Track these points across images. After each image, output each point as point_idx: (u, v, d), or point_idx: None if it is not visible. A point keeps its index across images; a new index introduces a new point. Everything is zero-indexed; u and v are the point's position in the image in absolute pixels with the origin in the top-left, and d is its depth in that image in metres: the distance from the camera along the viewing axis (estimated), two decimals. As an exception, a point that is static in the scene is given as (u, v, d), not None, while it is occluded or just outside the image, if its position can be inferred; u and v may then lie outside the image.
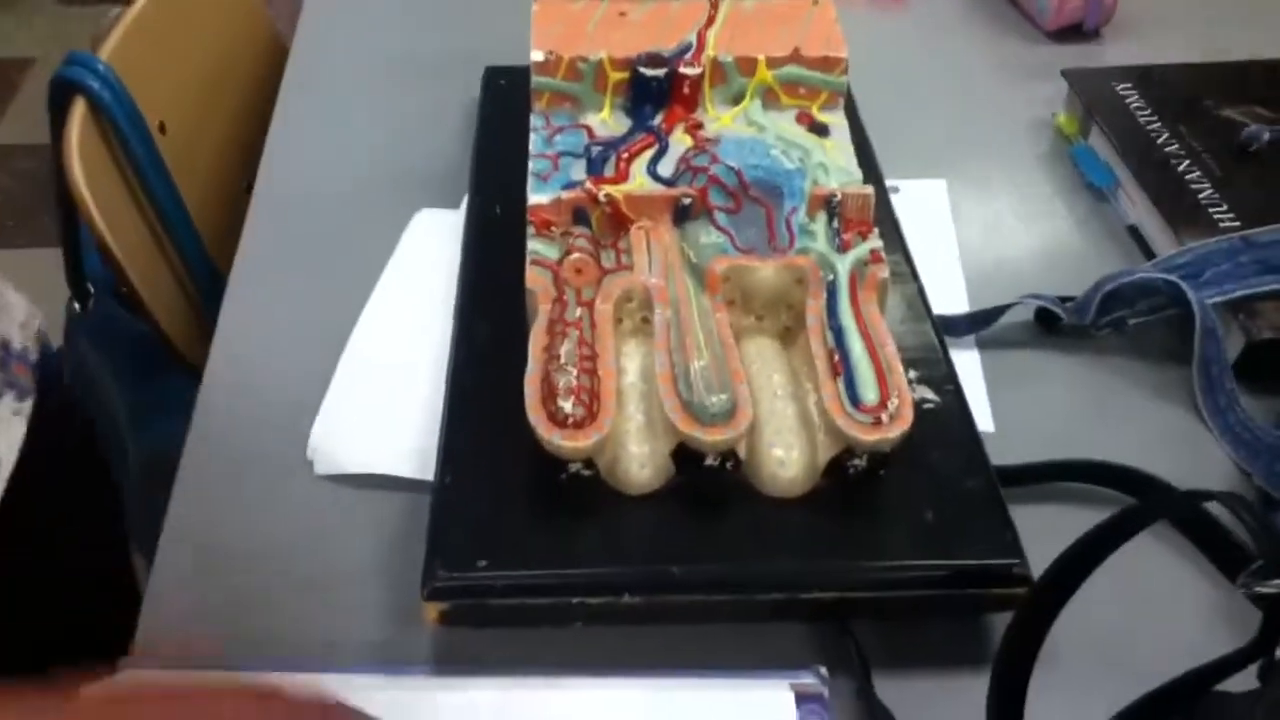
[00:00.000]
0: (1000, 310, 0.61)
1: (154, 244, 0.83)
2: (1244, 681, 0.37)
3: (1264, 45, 0.79)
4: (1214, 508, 0.46)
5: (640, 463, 0.48)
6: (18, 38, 2.45)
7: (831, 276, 0.53)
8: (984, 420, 0.56)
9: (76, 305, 0.86)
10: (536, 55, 0.62)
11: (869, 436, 0.46)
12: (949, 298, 0.64)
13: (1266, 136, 0.69)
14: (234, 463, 0.56)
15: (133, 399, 0.87)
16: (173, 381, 0.82)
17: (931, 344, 0.56)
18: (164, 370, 0.84)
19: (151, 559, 0.51)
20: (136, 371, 0.86)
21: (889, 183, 0.67)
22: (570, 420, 0.47)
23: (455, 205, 0.69)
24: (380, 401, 0.57)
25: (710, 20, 0.64)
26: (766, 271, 0.53)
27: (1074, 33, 0.86)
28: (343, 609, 0.49)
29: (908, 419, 0.47)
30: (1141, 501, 0.48)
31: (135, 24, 0.82)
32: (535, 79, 0.62)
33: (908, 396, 0.48)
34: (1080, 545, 0.39)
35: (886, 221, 0.62)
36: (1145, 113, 0.72)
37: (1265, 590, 0.33)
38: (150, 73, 0.81)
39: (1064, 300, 0.61)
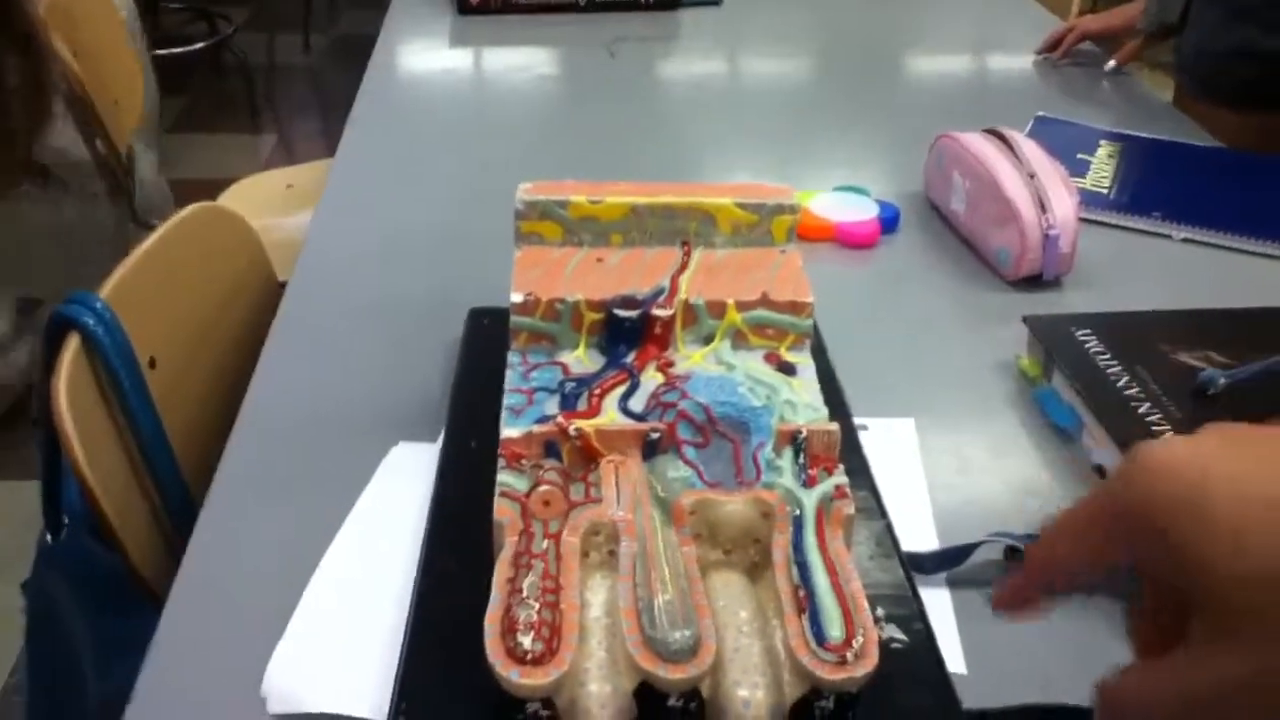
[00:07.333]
0: (969, 549, 0.61)
1: (133, 479, 0.84)
2: None
3: (1213, 297, 0.83)
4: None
5: (600, 702, 0.47)
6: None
7: (797, 512, 0.54)
8: (955, 661, 0.55)
9: (49, 536, 0.86)
10: (516, 296, 0.64)
11: (834, 676, 0.45)
12: (918, 535, 0.64)
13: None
14: (186, 697, 0.54)
15: (99, 636, 0.84)
16: (141, 620, 0.80)
17: (900, 582, 0.56)
18: (133, 608, 0.82)
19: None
20: (104, 607, 0.84)
21: (857, 421, 0.69)
22: (529, 656, 0.46)
23: (433, 439, 0.70)
24: (341, 638, 0.56)
25: (683, 266, 0.68)
26: (733, 505, 0.54)
27: (1034, 282, 0.90)
28: None
29: (873, 657, 0.46)
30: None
31: (140, 262, 0.86)
32: (514, 318, 0.64)
33: (873, 634, 0.47)
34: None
35: (855, 458, 0.63)
36: (1105, 357, 0.75)
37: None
38: (148, 308, 0.84)
39: (1032, 538, 0.61)
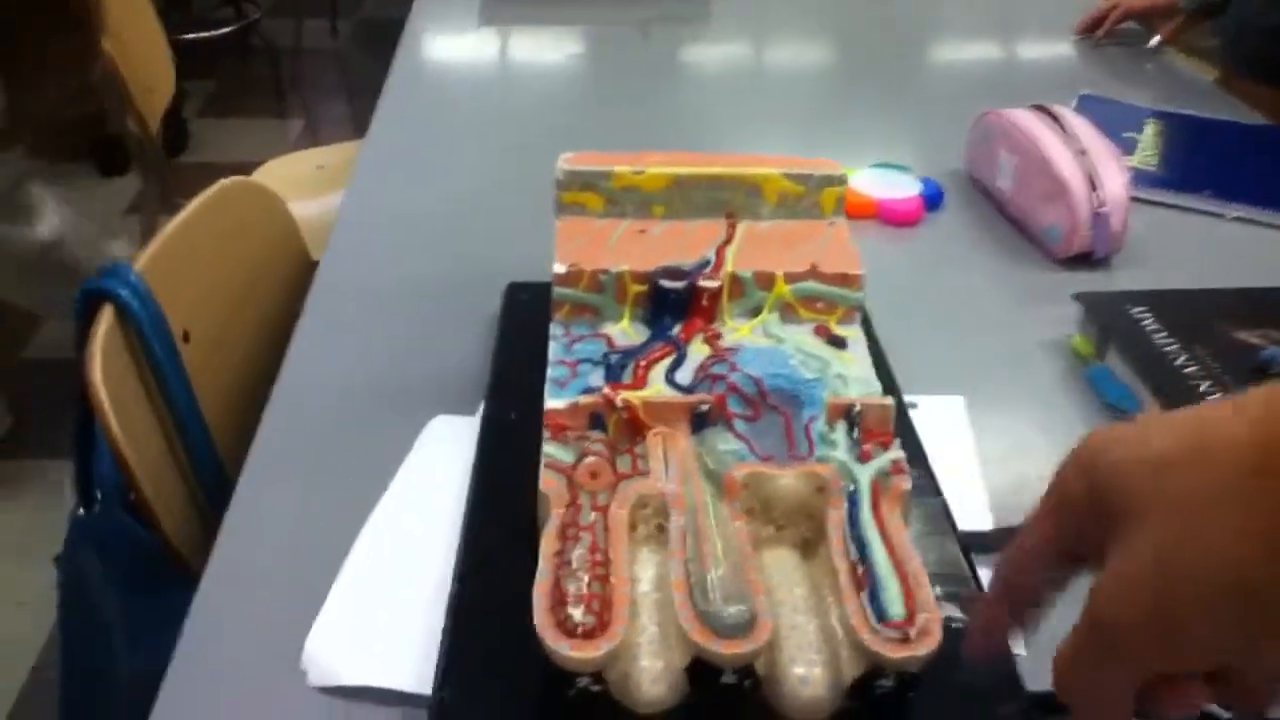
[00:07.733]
0: (1027, 527, 0.59)
1: (167, 451, 0.83)
2: None
3: (1267, 276, 0.81)
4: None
5: (652, 677, 0.45)
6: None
7: (852, 486, 0.52)
8: (1014, 642, 0.53)
9: (81, 510, 0.85)
10: (559, 267, 0.63)
11: (896, 654, 0.44)
12: (972, 514, 0.62)
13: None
14: (224, 671, 0.53)
15: (132, 612, 0.84)
16: (176, 596, 0.79)
17: (957, 560, 0.54)
18: (168, 583, 0.81)
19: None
20: (138, 583, 0.83)
21: (906, 398, 0.67)
22: (580, 629, 0.44)
23: (471, 413, 0.68)
24: (382, 610, 0.55)
25: (729, 238, 0.66)
26: (786, 479, 0.52)
27: (1083, 260, 0.88)
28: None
29: (936, 636, 0.44)
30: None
31: (173, 235, 0.85)
32: (557, 290, 0.63)
33: (936, 612, 0.45)
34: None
35: (905, 435, 0.61)
36: (1161, 335, 0.72)
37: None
38: (181, 282, 0.83)
39: (1093, 518, 0.59)
